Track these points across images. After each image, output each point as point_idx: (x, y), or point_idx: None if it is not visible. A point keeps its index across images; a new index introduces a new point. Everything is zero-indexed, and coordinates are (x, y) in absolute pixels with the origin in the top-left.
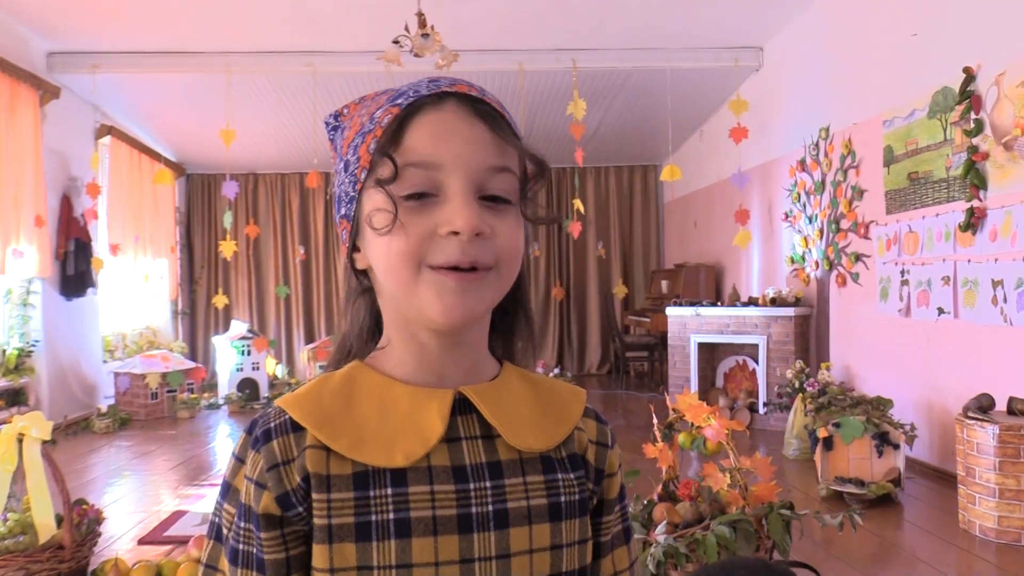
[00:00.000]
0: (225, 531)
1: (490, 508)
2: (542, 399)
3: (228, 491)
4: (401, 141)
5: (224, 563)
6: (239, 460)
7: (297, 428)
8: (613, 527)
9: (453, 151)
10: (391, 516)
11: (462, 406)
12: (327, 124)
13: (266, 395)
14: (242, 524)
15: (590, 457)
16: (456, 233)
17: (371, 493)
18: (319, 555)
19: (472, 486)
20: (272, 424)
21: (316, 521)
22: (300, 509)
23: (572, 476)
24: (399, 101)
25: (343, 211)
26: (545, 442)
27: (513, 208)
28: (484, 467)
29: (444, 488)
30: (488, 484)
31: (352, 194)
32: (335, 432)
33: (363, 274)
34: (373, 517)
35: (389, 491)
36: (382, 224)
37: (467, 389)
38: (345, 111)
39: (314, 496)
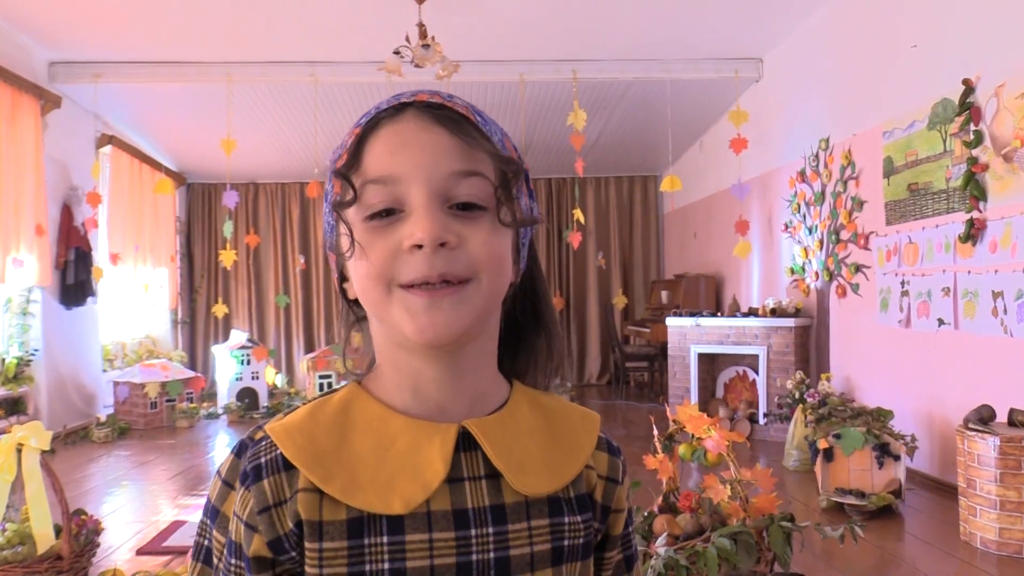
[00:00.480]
0: (215, 560)
1: (491, 556)
2: (553, 431)
3: (216, 516)
4: (362, 160)
5: None
6: (227, 485)
7: (289, 466)
8: (615, 559)
9: (411, 161)
10: (386, 566)
11: (466, 440)
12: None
13: (266, 405)
14: (232, 560)
15: (598, 495)
16: (420, 247)
17: (366, 541)
18: None
19: (473, 532)
20: (263, 459)
21: (308, 571)
22: (293, 554)
23: (579, 519)
24: (361, 120)
25: (328, 242)
26: (553, 483)
27: (489, 215)
28: (487, 511)
29: (443, 536)
30: (491, 530)
31: (332, 223)
32: (329, 473)
33: (357, 304)
34: (367, 567)
35: (385, 539)
36: (345, 248)
37: (471, 423)
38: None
39: (306, 544)
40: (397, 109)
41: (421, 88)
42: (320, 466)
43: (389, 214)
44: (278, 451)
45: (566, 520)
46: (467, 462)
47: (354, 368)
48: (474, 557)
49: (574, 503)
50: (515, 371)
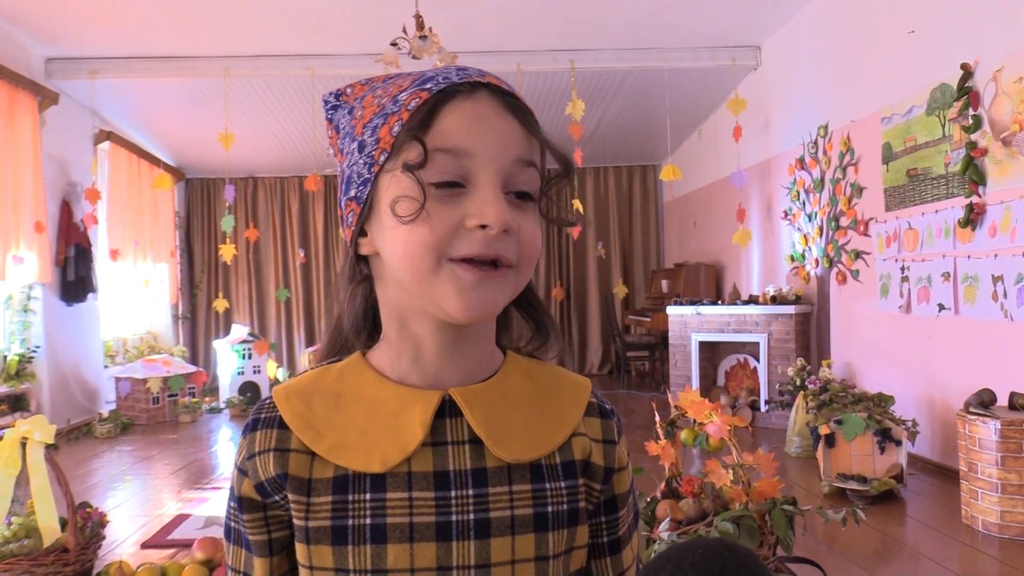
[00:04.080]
0: (240, 527)
1: (471, 517)
2: (541, 399)
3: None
4: (431, 126)
5: (246, 561)
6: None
7: (284, 425)
8: (626, 520)
9: (485, 141)
10: (368, 521)
11: (452, 407)
12: (326, 103)
13: (271, 392)
14: (231, 503)
15: (596, 458)
16: (484, 227)
17: (350, 497)
18: (300, 552)
19: (453, 493)
20: (263, 415)
21: (295, 522)
22: (276, 498)
23: (563, 485)
24: (428, 86)
25: (353, 193)
26: (536, 451)
27: (534, 206)
28: (468, 474)
29: (423, 495)
30: (471, 492)
31: (367, 176)
32: (318, 435)
33: (364, 261)
34: (350, 521)
35: (367, 496)
36: (407, 212)
37: (457, 391)
38: (348, 91)
39: (291, 497)
40: (472, 87)
41: (466, 67)
42: (311, 428)
43: (450, 186)
44: (277, 412)
45: (547, 486)
46: (452, 427)
47: (354, 331)
48: (454, 518)
49: (559, 470)
50: (510, 342)
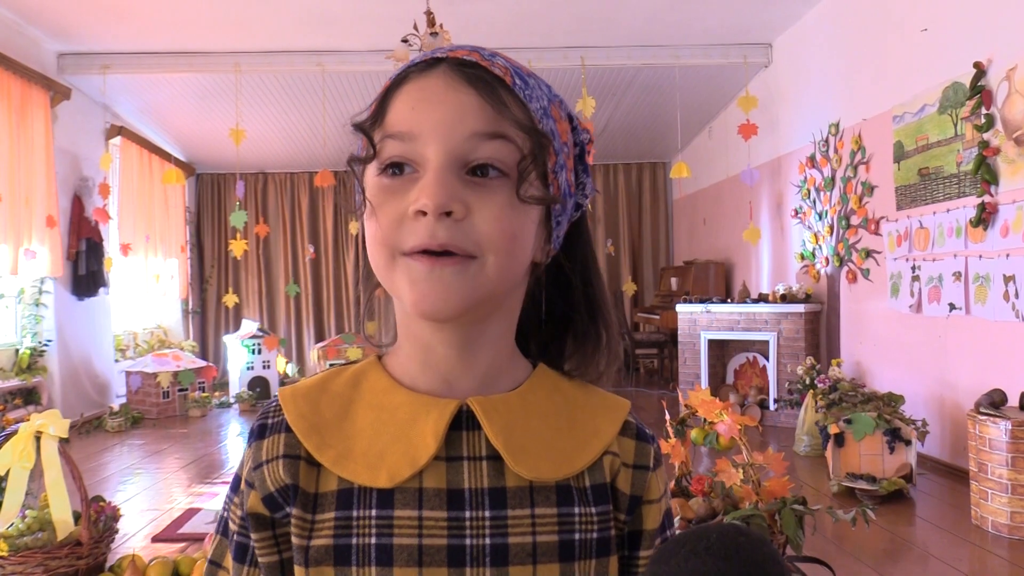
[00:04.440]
0: (232, 526)
1: (487, 541)
2: (570, 416)
3: (237, 484)
4: (384, 116)
5: (229, 560)
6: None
7: (292, 430)
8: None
9: (431, 119)
10: (373, 541)
11: (470, 420)
12: None
13: (276, 394)
14: (240, 513)
15: (622, 484)
16: (424, 213)
17: (354, 513)
18: None
19: (468, 514)
20: (269, 421)
21: (295, 541)
22: (288, 510)
23: (593, 511)
24: (391, 78)
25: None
26: (562, 470)
27: (508, 185)
28: (485, 493)
29: (434, 515)
30: (488, 514)
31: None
32: (324, 442)
33: None
34: (354, 540)
35: (373, 512)
36: (357, 205)
37: (474, 401)
38: None
39: (296, 513)
40: (429, 64)
41: (442, 47)
42: (317, 434)
43: (402, 171)
44: (283, 415)
45: (576, 511)
46: (468, 441)
47: (374, 337)
48: (468, 541)
49: (588, 493)
50: (558, 357)
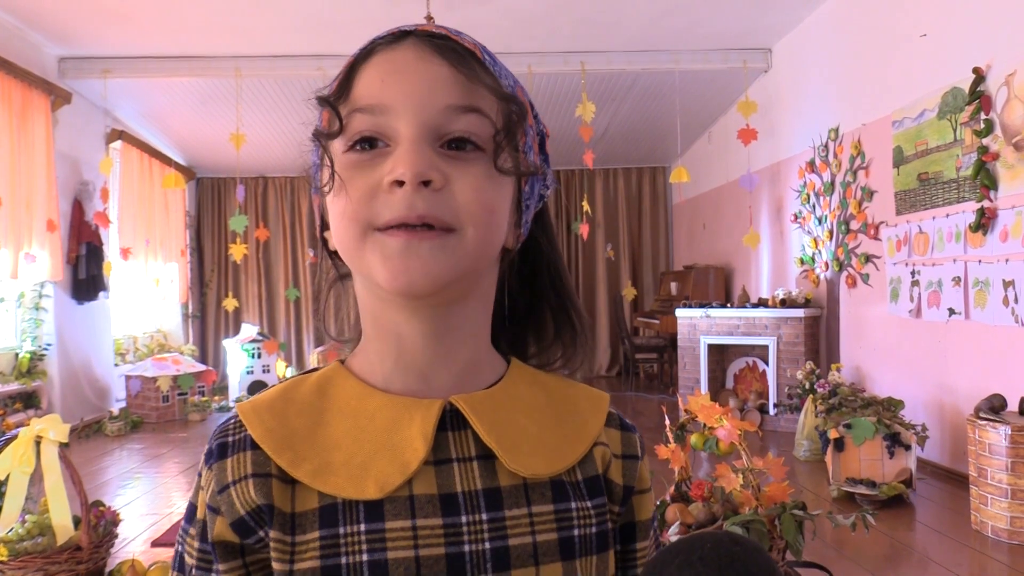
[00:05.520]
0: (188, 560)
1: (487, 546)
2: (555, 409)
3: (193, 513)
4: (350, 89)
5: None
6: (199, 476)
7: (258, 447)
8: (648, 552)
9: (403, 91)
10: (365, 558)
11: (454, 419)
12: None
13: (235, 410)
14: (198, 544)
15: (615, 475)
16: (401, 184)
17: (341, 530)
18: None
19: (464, 519)
20: (230, 439)
21: (276, 566)
22: (260, 534)
23: (590, 504)
24: (356, 52)
25: (314, 185)
26: (555, 464)
27: (484, 158)
28: (479, 495)
29: (429, 523)
30: (485, 516)
31: (316, 161)
32: (298, 456)
33: (339, 257)
34: (343, 559)
35: (362, 527)
36: (323, 182)
37: (459, 399)
38: None
39: (274, 535)
40: (397, 37)
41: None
42: (289, 448)
43: (373, 146)
44: (246, 432)
45: (573, 506)
46: (456, 442)
47: (339, 334)
48: (467, 548)
49: (582, 487)
50: (513, 348)
